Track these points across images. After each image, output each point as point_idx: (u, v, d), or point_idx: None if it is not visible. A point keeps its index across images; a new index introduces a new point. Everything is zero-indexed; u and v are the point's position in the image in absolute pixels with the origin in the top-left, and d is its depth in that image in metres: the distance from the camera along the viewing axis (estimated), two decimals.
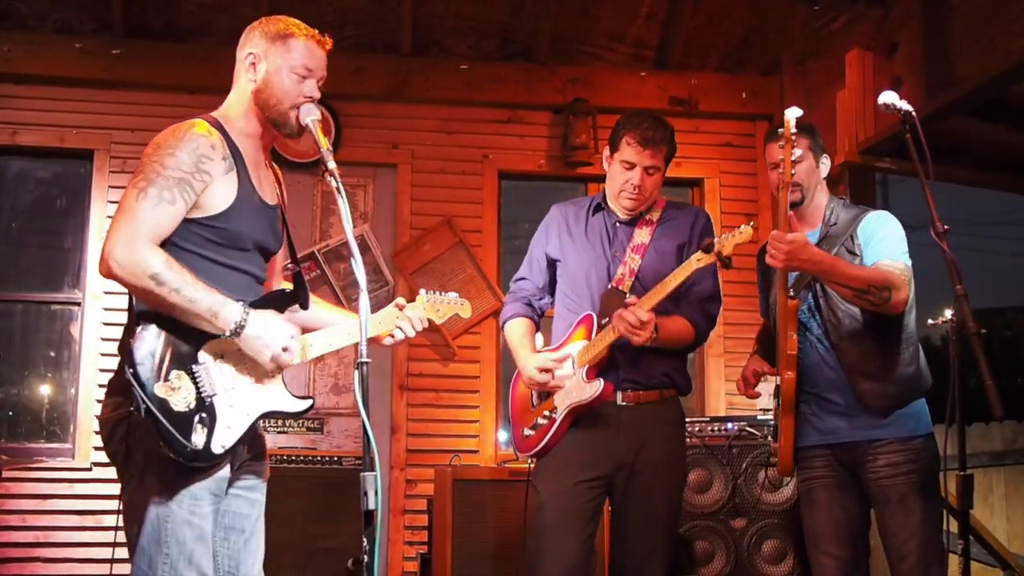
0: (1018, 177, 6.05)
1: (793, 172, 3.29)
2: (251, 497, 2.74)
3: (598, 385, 3.37)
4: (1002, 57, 4.32)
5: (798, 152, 3.30)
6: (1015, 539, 5.80)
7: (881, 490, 3.29)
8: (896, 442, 3.27)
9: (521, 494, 3.64)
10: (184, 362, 2.50)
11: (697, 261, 3.21)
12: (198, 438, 2.46)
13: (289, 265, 2.88)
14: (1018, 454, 5.73)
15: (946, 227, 2.82)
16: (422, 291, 2.99)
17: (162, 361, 2.46)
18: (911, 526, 3.22)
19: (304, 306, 2.82)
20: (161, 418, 2.40)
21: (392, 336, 2.91)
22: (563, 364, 3.46)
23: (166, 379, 2.45)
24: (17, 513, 5.28)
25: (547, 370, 3.46)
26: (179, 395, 2.46)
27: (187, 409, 2.46)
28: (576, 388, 3.42)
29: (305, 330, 2.77)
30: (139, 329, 2.45)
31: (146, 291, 2.43)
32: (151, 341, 2.46)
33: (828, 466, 3.40)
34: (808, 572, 4.77)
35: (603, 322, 3.40)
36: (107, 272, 2.44)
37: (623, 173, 3.54)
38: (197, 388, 2.50)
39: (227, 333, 2.51)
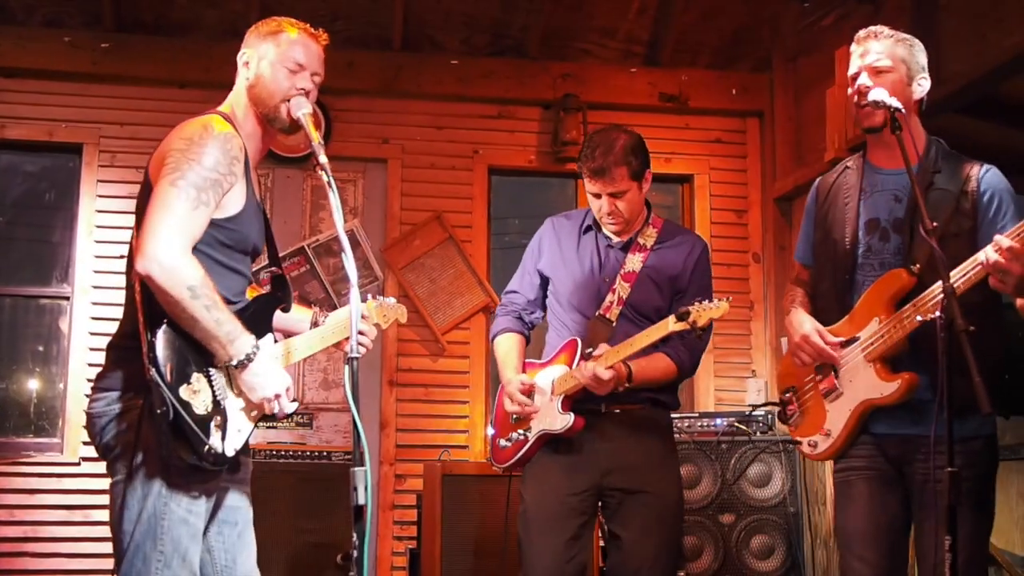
0: (1009, 175, 6.06)
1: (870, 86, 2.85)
2: (242, 489, 2.75)
3: (569, 419, 3.36)
4: (993, 54, 4.33)
5: (885, 62, 2.90)
6: (1001, 535, 5.82)
7: (929, 495, 2.79)
8: (955, 441, 2.59)
9: (513, 488, 3.64)
10: (201, 365, 2.50)
11: (673, 324, 3.13)
12: (215, 441, 2.48)
13: (271, 268, 2.88)
14: (1005, 450, 5.73)
15: (935, 224, 2.78)
16: (369, 297, 2.98)
17: (184, 363, 2.45)
18: (957, 540, 2.59)
19: (287, 309, 2.83)
20: (188, 420, 2.40)
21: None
22: (542, 389, 3.47)
23: (188, 381, 2.45)
24: (5, 508, 5.27)
25: (525, 393, 3.45)
26: (199, 398, 2.46)
27: (206, 412, 2.47)
28: (549, 416, 3.41)
29: (287, 333, 2.81)
30: (159, 331, 2.43)
31: (177, 300, 2.41)
32: (173, 342, 2.44)
33: (872, 456, 2.95)
34: (797, 568, 4.80)
35: (587, 351, 3.36)
36: (146, 271, 2.40)
37: (594, 202, 3.50)
38: (212, 391, 2.51)
39: (233, 362, 2.51)
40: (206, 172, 2.50)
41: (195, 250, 2.50)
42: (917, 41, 3.02)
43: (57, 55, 5.61)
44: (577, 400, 3.39)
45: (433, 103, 5.99)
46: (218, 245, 2.59)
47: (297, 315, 2.91)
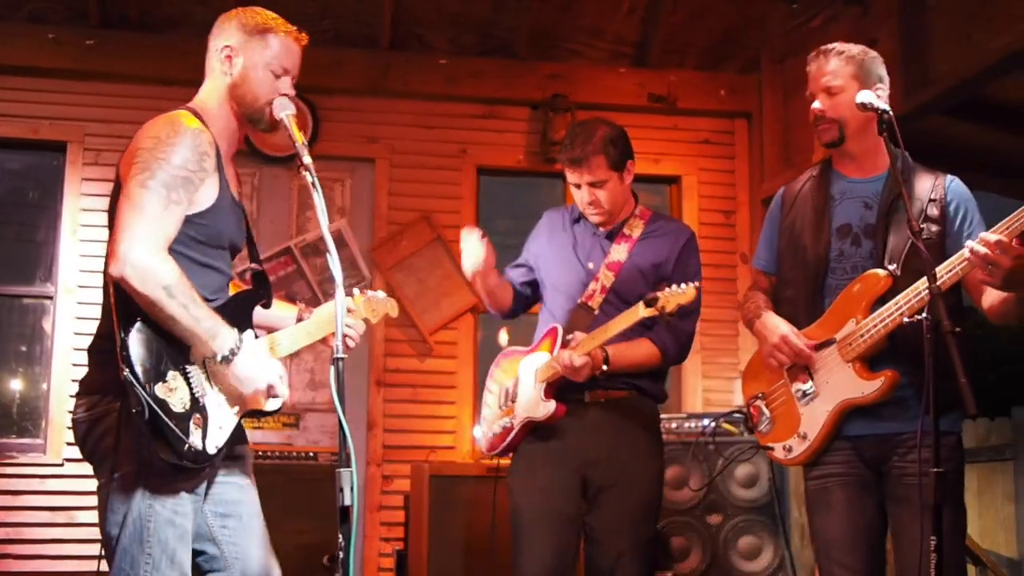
0: (994, 176, 6.09)
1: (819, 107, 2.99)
2: (240, 482, 2.73)
3: (550, 407, 3.40)
4: (980, 56, 4.34)
5: (837, 82, 2.97)
6: (987, 535, 5.84)
7: (906, 489, 2.84)
8: (932, 437, 2.61)
9: (499, 490, 3.64)
10: (178, 362, 2.48)
11: (643, 310, 3.16)
12: (195, 439, 2.45)
13: (251, 265, 2.86)
14: (990, 451, 5.77)
15: (921, 226, 2.81)
16: (356, 291, 2.96)
17: (159, 361, 2.43)
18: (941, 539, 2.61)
19: (267, 305, 2.81)
20: (165, 419, 2.38)
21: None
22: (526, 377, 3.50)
23: (164, 379, 2.43)
24: None
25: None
26: (176, 396, 2.44)
27: (184, 410, 2.45)
28: (532, 403, 3.45)
29: (271, 330, 2.79)
30: (132, 329, 2.41)
31: (153, 300, 2.40)
32: (146, 341, 2.42)
33: (848, 462, 2.97)
34: (785, 568, 4.80)
35: (568, 338, 3.40)
36: (119, 273, 2.39)
37: (576, 193, 3.56)
38: (190, 388, 2.49)
39: (218, 357, 2.50)
40: (175, 170, 2.48)
41: (169, 249, 2.48)
42: (871, 53, 3.06)
43: (41, 52, 5.56)
44: (560, 388, 3.42)
45: (421, 102, 5.97)
46: (191, 242, 2.57)
47: (281, 312, 2.89)
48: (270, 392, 2.59)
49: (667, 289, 3.13)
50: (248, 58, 2.68)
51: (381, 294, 3.02)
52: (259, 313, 2.80)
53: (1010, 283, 2.65)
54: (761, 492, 4.81)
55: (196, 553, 2.66)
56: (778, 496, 4.83)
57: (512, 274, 3.76)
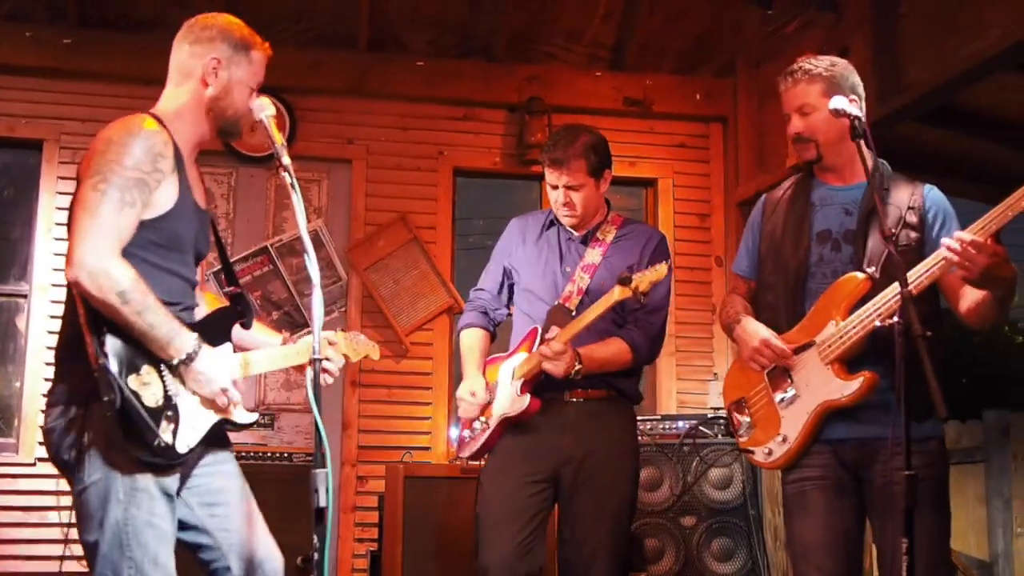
0: (967, 182, 6.15)
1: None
2: (223, 470, 2.73)
3: (524, 401, 3.44)
4: (952, 63, 4.38)
5: (808, 102, 3.02)
6: (958, 537, 5.90)
7: (890, 497, 2.75)
8: (912, 442, 2.58)
9: (472, 491, 3.66)
10: (153, 358, 2.48)
11: (619, 292, 3.23)
12: (166, 435, 2.46)
13: (229, 288, 2.86)
14: (961, 453, 5.82)
15: (894, 231, 2.85)
16: (339, 331, 2.99)
17: (134, 355, 2.44)
18: (921, 543, 2.59)
19: (246, 326, 2.81)
20: (138, 408, 2.38)
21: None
22: (503, 379, 3.53)
23: (137, 372, 2.43)
24: None
25: (474, 395, 3.55)
26: (149, 390, 2.44)
27: (156, 405, 2.45)
28: (508, 400, 3.48)
29: (246, 349, 2.80)
30: (105, 326, 2.41)
31: (108, 305, 2.39)
32: (120, 334, 2.42)
33: (826, 465, 2.97)
34: (757, 570, 4.84)
35: (546, 336, 3.44)
36: (74, 280, 2.39)
37: (552, 193, 3.62)
38: (164, 386, 2.49)
39: (175, 361, 2.50)
40: (128, 172, 2.48)
41: (128, 253, 2.47)
42: (838, 64, 3.07)
43: (19, 50, 5.53)
44: (539, 387, 3.46)
45: (399, 104, 5.97)
46: (151, 246, 2.56)
47: (264, 336, 2.91)
48: (222, 398, 2.59)
49: (640, 271, 3.23)
50: (233, 73, 2.70)
51: (362, 337, 3.07)
52: (243, 335, 2.80)
53: (988, 279, 2.69)
54: (735, 494, 4.84)
55: (194, 547, 2.67)
56: (751, 498, 4.86)
57: (484, 300, 3.79)
